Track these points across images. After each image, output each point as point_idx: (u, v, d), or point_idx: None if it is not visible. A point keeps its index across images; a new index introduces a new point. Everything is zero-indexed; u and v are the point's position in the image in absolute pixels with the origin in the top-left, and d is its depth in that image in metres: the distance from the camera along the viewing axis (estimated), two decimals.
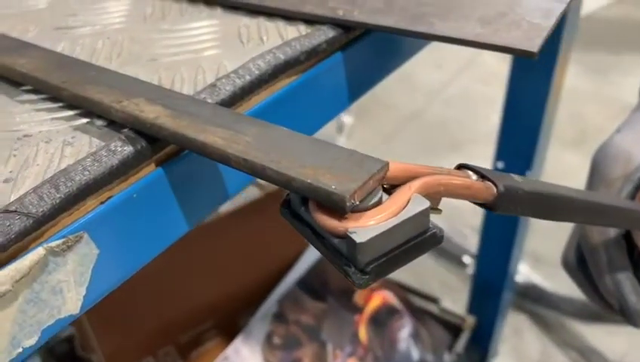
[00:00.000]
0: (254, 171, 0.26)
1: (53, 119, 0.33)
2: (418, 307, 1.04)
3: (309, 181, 0.24)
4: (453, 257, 1.49)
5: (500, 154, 0.93)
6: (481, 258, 1.06)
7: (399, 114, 2.02)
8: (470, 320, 1.03)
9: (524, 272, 1.39)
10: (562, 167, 1.64)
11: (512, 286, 1.10)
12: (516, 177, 0.30)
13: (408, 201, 0.25)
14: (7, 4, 0.48)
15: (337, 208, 0.23)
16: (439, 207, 0.27)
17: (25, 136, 0.32)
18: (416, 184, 0.26)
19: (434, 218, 0.26)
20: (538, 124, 0.87)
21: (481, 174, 0.29)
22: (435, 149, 1.89)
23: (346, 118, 1.87)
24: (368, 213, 0.24)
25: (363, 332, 0.95)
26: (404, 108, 2.05)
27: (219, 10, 0.44)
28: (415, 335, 0.98)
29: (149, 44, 0.40)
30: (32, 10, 0.47)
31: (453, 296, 1.34)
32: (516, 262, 1.05)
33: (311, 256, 0.99)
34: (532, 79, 0.84)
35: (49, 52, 0.37)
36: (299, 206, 0.26)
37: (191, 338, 0.92)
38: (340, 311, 0.95)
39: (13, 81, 0.36)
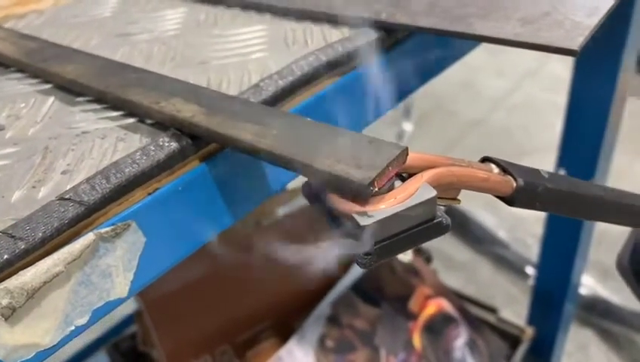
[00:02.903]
0: (281, 163, 0.27)
1: (108, 118, 0.35)
2: (475, 316, 1.02)
3: (330, 171, 0.25)
4: (515, 267, 1.45)
5: (562, 162, 0.91)
6: (541, 267, 1.03)
7: (461, 121, 2.00)
8: (529, 331, 1.01)
9: (590, 285, 1.33)
10: (632, 176, 1.58)
11: (575, 298, 1.06)
12: (544, 173, 0.30)
13: (418, 190, 0.25)
14: (77, 13, 0.52)
15: (359, 195, 0.24)
16: (459, 197, 0.28)
17: (83, 132, 0.34)
18: (427, 174, 0.27)
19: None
20: (601, 131, 0.84)
21: (503, 168, 0.29)
22: (498, 157, 1.84)
23: (406, 125, 1.86)
24: (377, 198, 0.25)
25: (417, 340, 0.95)
26: (466, 116, 2.02)
27: (268, 16, 0.46)
28: (471, 345, 0.97)
29: (201, 48, 0.43)
30: (97, 19, 0.50)
31: (515, 307, 1.30)
32: (579, 273, 1.01)
33: None
34: (595, 84, 0.81)
35: (93, 57, 0.40)
36: (318, 187, 0.28)
37: (247, 338, 0.94)
38: (394, 316, 0.95)
39: None
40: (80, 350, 1.10)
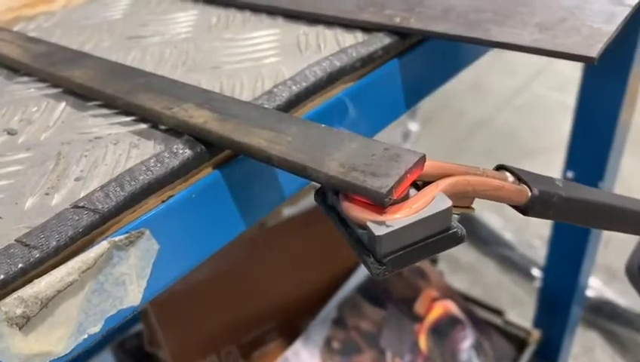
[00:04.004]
0: (296, 170, 0.27)
1: (120, 123, 0.35)
2: (481, 318, 1.02)
3: (347, 179, 0.25)
4: (521, 269, 1.45)
5: (571, 164, 0.90)
6: (548, 270, 1.02)
7: (468, 121, 1.99)
8: (536, 334, 1.00)
9: (596, 287, 1.33)
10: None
11: (582, 301, 1.06)
12: (558, 182, 0.30)
13: (433, 199, 0.25)
14: (88, 15, 0.52)
15: (375, 204, 0.24)
16: (473, 205, 0.28)
17: (96, 138, 0.34)
18: (443, 183, 0.26)
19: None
20: (611, 133, 0.83)
21: (518, 176, 0.29)
22: (505, 158, 1.82)
23: (412, 125, 1.86)
24: (392, 207, 0.25)
25: (423, 342, 0.94)
26: (473, 116, 2.01)
27: (280, 20, 0.46)
28: (477, 347, 0.96)
29: (213, 52, 0.42)
30: (108, 21, 0.50)
31: (521, 309, 1.30)
32: (586, 275, 1.01)
33: None
34: (605, 86, 0.81)
35: (102, 61, 0.40)
36: (331, 195, 0.28)
37: (253, 338, 0.94)
38: (400, 318, 0.95)
39: None
40: (85, 348, 1.10)
